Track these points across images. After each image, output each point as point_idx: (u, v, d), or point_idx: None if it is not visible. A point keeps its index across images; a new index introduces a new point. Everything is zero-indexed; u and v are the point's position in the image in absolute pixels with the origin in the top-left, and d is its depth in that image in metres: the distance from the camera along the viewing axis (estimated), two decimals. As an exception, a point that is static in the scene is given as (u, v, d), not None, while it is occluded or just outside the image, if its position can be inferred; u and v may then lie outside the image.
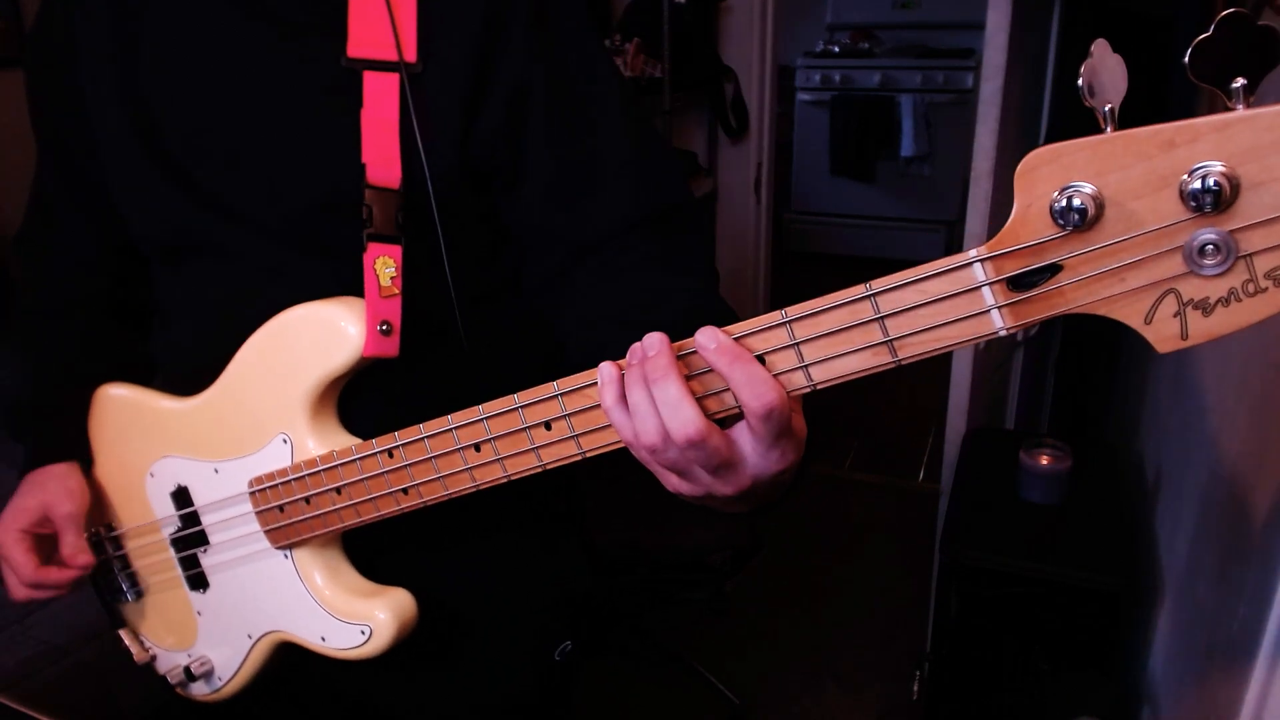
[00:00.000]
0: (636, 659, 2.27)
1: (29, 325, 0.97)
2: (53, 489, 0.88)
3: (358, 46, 0.75)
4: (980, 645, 1.59)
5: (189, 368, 0.84)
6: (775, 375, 0.55)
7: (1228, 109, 0.42)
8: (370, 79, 0.75)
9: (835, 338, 0.53)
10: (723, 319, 0.58)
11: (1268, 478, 0.92)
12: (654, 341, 0.57)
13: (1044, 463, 1.62)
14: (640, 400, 0.56)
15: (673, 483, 0.60)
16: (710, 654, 2.23)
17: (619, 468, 0.66)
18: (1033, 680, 1.52)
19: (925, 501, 2.71)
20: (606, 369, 0.58)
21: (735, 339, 0.55)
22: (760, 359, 0.55)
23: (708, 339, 0.55)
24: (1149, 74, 1.89)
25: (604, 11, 3.15)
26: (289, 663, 0.88)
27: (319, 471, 0.75)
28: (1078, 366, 2.40)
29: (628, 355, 0.57)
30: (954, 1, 4.79)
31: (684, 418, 0.55)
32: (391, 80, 0.75)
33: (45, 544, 0.88)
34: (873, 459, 3.19)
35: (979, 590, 1.54)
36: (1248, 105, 0.42)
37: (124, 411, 0.90)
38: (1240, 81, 0.41)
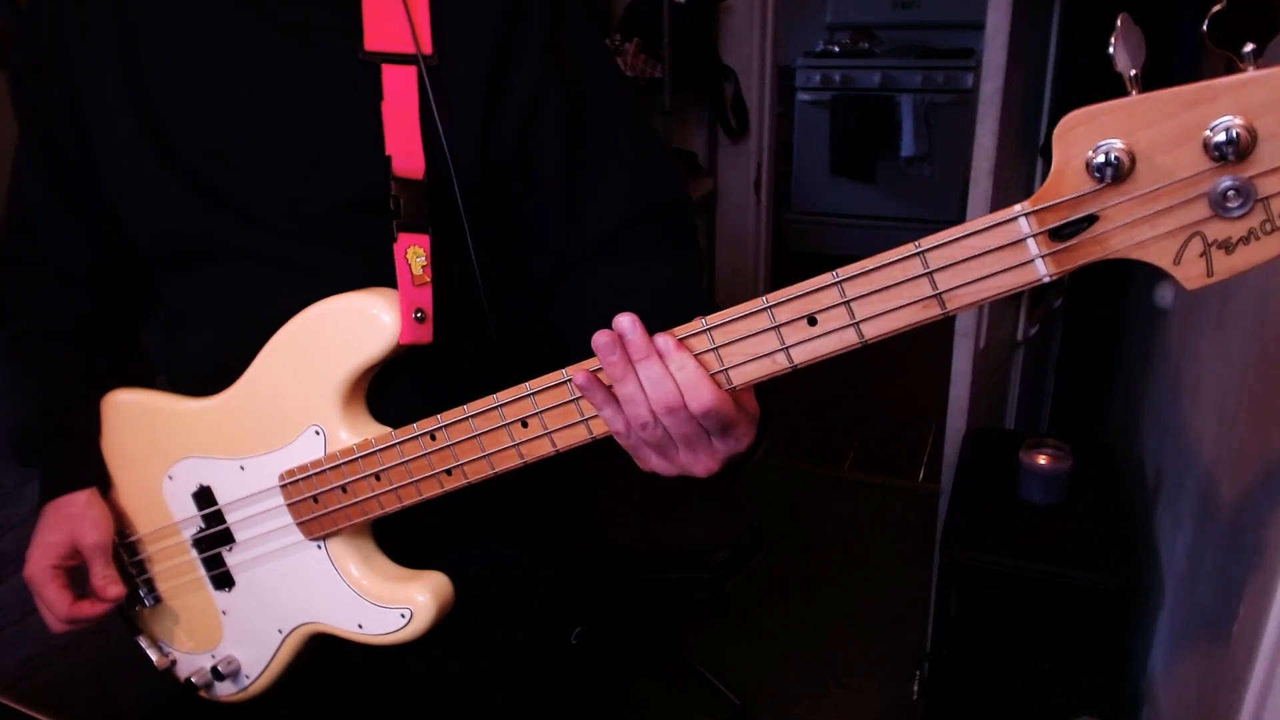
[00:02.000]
0: (637, 658, 2.27)
1: (22, 348, 0.94)
2: (78, 520, 0.87)
3: (374, 40, 0.76)
4: (980, 645, 1.59)
5: (206, 371, 0.84)
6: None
7: (1239, 70, 0.47)
8: (389, 72, 0.76)
9: (885, 294, 0.57)
10: (690, 308, 0.63)
11: (1268, 478, 0.92)
12: (629, 324, 0.61)
13: (1044, 463, 1.62)
14: (654, 373, 0.61)
15: (652, 461, 0.65)
16: (710, 654, 2.23)
17: (622, 464, 0.68)
18: (1033, 680, 1.52)
19: (925, 501, 2.71)
20: (583, 374, 0.63)
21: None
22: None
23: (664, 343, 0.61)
24: (1149, 73, 1.89)
25: (604, 11, 3.14)
26: (312, 653, 0.88)
27: (357, 459, 0.76)
28: (1078, 366, 2.39)
29: (605, 346, 0.61)
30: (954, 1, 4.78)
31: (699, 387, 0.60)
32: (409, 73, 0.76)
33: (74, 574, 0.88)
34: (873, 459, 3.19)
35: (979, 590, 1.54)
36: (1258, 67, 0.47)
37: (135, 416, 0.89)
38: (1250, 46, 0.47)
